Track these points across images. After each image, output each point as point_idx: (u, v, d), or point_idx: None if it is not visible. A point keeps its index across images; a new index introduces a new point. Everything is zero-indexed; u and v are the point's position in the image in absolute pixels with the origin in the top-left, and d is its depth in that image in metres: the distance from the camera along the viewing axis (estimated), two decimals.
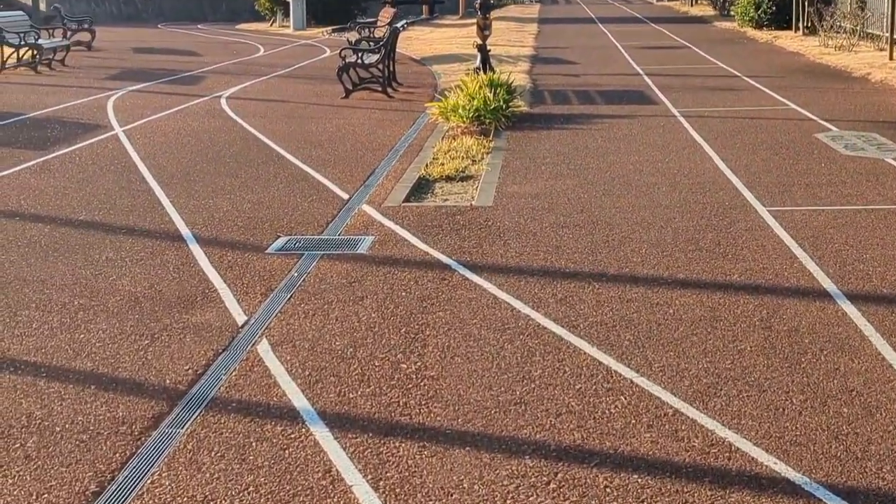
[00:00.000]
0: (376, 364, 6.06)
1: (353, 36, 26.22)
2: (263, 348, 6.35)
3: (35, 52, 22.85)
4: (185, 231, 9.18)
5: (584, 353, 6.14)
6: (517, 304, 7.06)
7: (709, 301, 7.08)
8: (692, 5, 53.23)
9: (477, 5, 20.98)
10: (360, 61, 18.17)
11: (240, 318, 6.92)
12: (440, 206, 10.07)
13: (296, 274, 7.89)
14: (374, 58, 18.24)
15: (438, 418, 5.32)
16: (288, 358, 6.18)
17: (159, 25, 47.56)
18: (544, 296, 7.24)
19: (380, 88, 18.38)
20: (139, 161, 12.35)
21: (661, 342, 6.31)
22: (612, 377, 5.79)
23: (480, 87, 15.30)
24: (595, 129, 14.35)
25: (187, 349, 6.34)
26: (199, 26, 46.86)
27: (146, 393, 5.68)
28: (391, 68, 18.94)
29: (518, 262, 8.10)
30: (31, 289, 7.53)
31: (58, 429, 5.23)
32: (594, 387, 5.66)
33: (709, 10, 47.31)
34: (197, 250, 8.56)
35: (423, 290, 7.43)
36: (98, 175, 11.56)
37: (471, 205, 10.05)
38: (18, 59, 22.96)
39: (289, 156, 12.70)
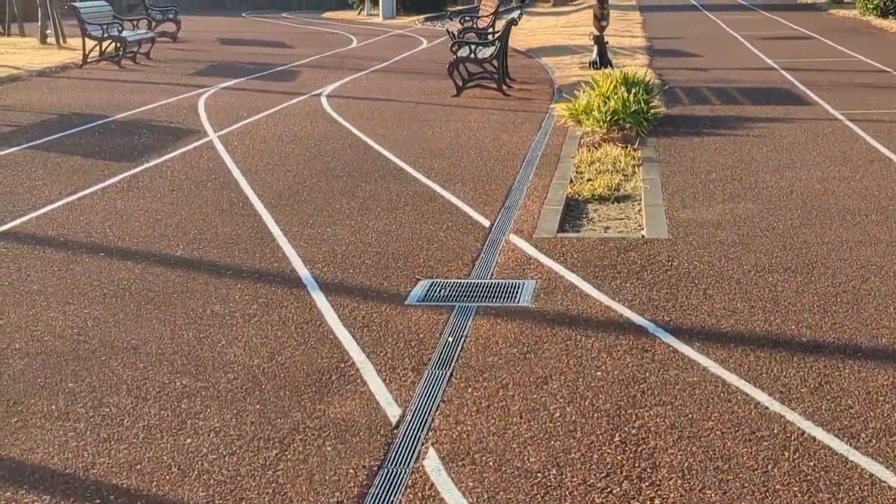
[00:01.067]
0: (595, 499, 4.32)
1: (453, 26, 24.54)
2: (432, 464, 4.66)
3: (118, 45, 21.43)
4: (303, 272, 7.52)
5: (892, 491, 4.34)
6: (759, 396, 5.29)
7: None
8: None
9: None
10: (472, 56, 16.43)
11: (391, 409, 5.25)
12: (604, 237, 8.32)
13: (450, 338, 6.20)
14: (488, 52, 16.49)
15: None
16: (470, 485, 4.48)
17: (243, 14, 46.31)
18: (790, 381, 5.46)
19: (494, 85, 16.63)
20: (239, 175, 10.75)
21: None
22: None
23: (615, 86, 13.49)
24: (753, 136, 12.47)
25: (330, 465, 4.66)
26: (284, 15, 45.55)
27: None
28: (504, 63, 17.15)
29: (733, 324, 6.32)
30: (119, 361, 5.91)
31: None
32: None
33: None
34: (321, 301, 6.90)
35: (622, 367, 5.69)
36: (194, 194, 9.97)
37: (643, 237, 8.29)
38: (101, 52, 21.54)
39: (409, 168, 11.03)
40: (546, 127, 13.61)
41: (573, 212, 9.30)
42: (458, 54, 16.67)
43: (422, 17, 38.04)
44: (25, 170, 11.01)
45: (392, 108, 15.31)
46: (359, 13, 43.34)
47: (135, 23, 23.66)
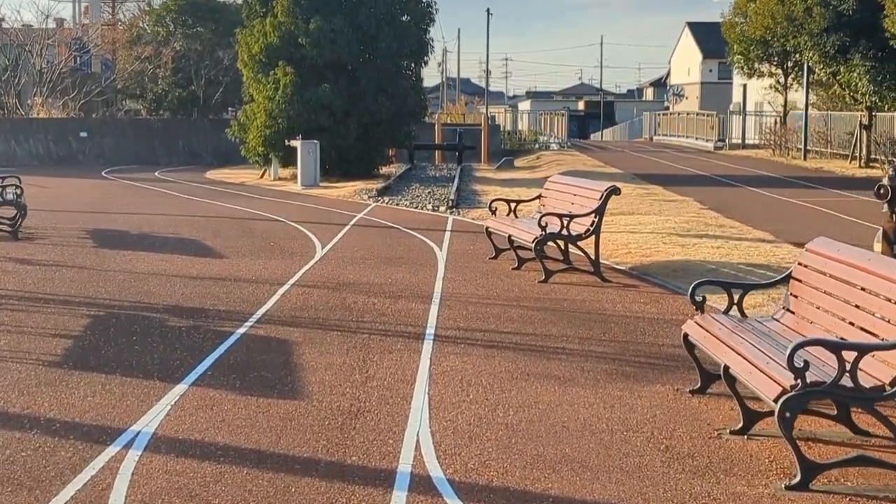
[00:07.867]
0: None
1: (511, 228, 14.32)
2: None
3: None
4: None
5: None
6: None
7: None
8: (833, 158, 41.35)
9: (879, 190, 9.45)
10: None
11: None
12: None
13: None
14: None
15: None
16: None
17: (104, 173, 35.46)
18: None
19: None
20: None
21: None
22: None
23: None
24: None
25: None
26: (157, 174, 35.02)
27: None
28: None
29: None
30: None
31: None
32: None
33: (874, 170, 34.73)
34: None
35: None
36: None
37: None
38: None
39: None
40: None
41: None
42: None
43: (368, 188, 27.72)
44: None
45: None
46: (262, 175, 32.88)
47: None
